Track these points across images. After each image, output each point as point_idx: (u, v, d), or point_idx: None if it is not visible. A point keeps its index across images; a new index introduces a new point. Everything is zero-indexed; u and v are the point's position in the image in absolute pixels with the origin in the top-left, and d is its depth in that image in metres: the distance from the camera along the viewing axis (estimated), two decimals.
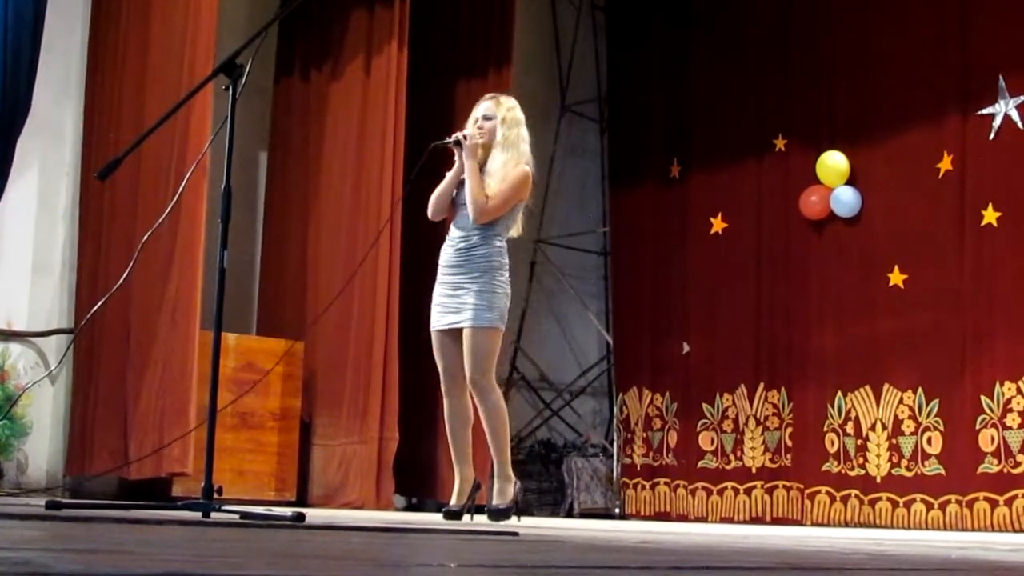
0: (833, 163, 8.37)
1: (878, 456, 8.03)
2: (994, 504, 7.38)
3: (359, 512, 7.35)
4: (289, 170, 8.50)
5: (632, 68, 10.02)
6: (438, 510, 8.22)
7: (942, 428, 7.76)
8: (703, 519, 8.85)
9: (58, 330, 7.58)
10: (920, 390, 7.87)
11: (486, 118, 5.88)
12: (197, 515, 4.15)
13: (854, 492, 8.10)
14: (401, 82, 8.27)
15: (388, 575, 2.02)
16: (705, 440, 9.03)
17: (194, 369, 7.02)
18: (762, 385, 8.74)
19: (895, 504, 7.89)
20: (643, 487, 9.35)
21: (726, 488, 8.85)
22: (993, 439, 7.47)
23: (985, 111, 7.70)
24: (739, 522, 8.62)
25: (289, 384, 7.84)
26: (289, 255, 8.41)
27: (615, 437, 9.65)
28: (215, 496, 4.25)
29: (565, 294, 10.12)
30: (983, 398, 7.53)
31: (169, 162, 7.24)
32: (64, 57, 7.70)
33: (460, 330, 5.75)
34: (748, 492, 8.72)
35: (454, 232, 5.84)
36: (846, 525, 8.07)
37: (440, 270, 5.85)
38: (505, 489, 5.79)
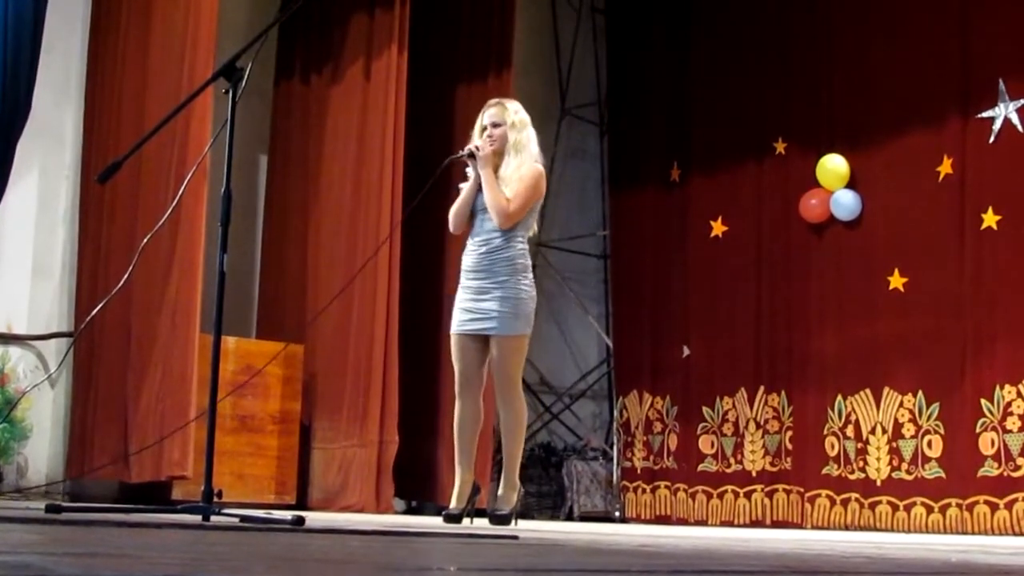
0: (833, 166, 8.37)
1: (878, 459, 8.03)
2: (994, 507, 7.38)
3: (359, 515, 7.35)
4: (289, 173, 8.50)
5: (632, 71, 10.02)
6: (438, 513, 8.21)
7: (942, 431, 7.75)
8: (703, 522, 8.84)
9: (58, 333, 7.58)
10: (920, 393, 7.87)
11: (494, 125, 5.90)
12: (197, 518, 4.15)
13: (854, 495, 8.09)
14: (401, 85, 8.27)
15: None
16: (705, 443, 9.03)
17: (194, 372, 7.02)
18: (762, 388, 8.74)
19: (895, 507, 7.89)
20: (643, 490, 9.35)
21: (726, 491, 8.84)
22: (993, 442, 7.46)
23: (985, 114, 7.70)
24: (739, 525, 8.61)
25: (289, 387, 7.84)
26: (289, 258, 8.40)
27: (615, 440, 9.65)
28: (215, 499, 4.25)
29: (565, 297, 10.12)
30: (983, 401, 7.52)
31: (169, 165, 7.24)
32: (64, 59, 7.71)
33: (484, 336, 5.77)
34: (748, 495, 8.72)
35: (475, 238, 5.86)
36: (846, 528, 8.06)
37: (463, 275, 5.86)
38: (509, 496, 5.81)
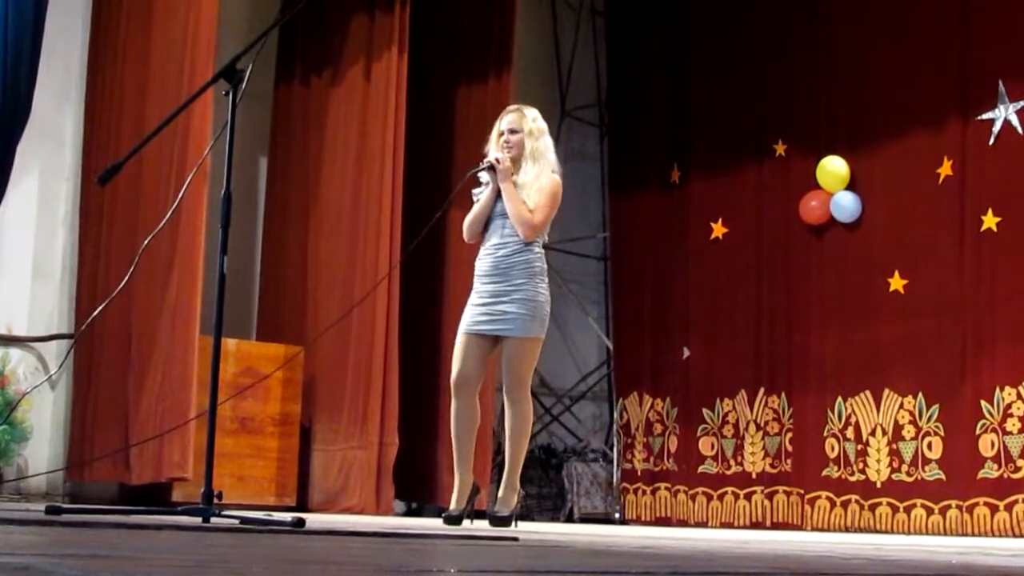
0: (833, 168, 8.38)
1: (878, 461, 8.03)
2: (994, 509, 7.38)
3: (359, 517, 7.35)
4: (289, 175, 8.50)
5: (632, 73, 10.02)
6: (438, 515, 8.22)
7: (942, 433, 7.75)
8: (703, 524, 8.84)
9: (58, 335, 7.58)
10: (920, 395, 7.87)
11: (512, 131, 5.91)
12: (197, 520, 4.15)
13: (854, 497, 8.09)
14: (401, 87, 8.27)
15: None
16: (705, 445, 9.03)
17: (194, 374, 7.02)
18: (762, 390, 8.74)
19: (895, 509, 7.89)
20: (643, 492, 9.35)
21: (726, 493, 8.84)
22: (993, 444, 7.46)
23: (985, 116, 7.70)
24: (739, 527, 8.61)
25: (289, 389, 7.84)
26: (289, 260, 8.41)
27: (615, 442, 9.65)
28: (215, 501, 4.25)
29: (565, 299, 10.12)
30: (983, 403, 7.52)
31: (169, 167, 7.24)
32: (64, 61, 7.71)
33: (494, 337, 5.77)
34: (748, 497, 8.72)
35: (490, 243, 5.85)
36: (846, 530, 8.06)
37: (478, 280, 5.85)
38: (509, 498, 5.80)
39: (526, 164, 5.88)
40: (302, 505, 7.81)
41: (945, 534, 7.53)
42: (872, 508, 8.00)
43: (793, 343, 8.60)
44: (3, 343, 7.47)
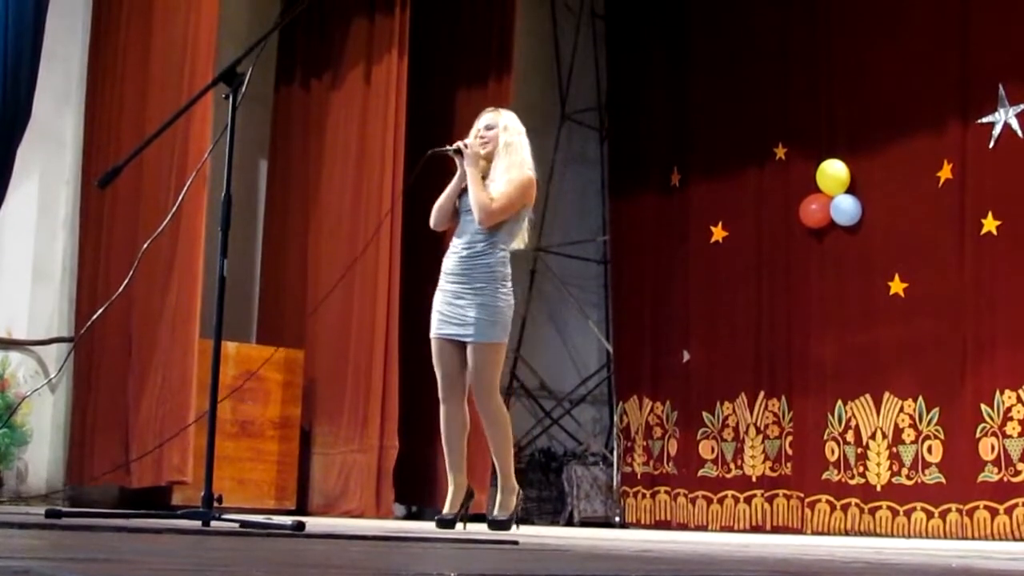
0: (833, 171, 8.38)
1: (878, 464, 8.02)
2: (994, 513, 7.37)
3: (359, 521, 7.35)
4: (289, 178, 8.51)
5: (632, 77, 10.03)
6: None
7: (942, 437, 7.75)
8: (703, 528, 8.84)
9: (58, 338, 7.58)
10: (920, 399, 7.87)
11: (488, 128, 5.89)
12: (197, 524, 4.15)
13: (854, 500, 8.09)
14: (401, 90, 8.27)
15: None
16: (705, 448, 9.03)
17: (194, 377, 7.02)
18: (762, 393, 8.74)
19: (895, 512, 7.89)
20: (643, 496, 9.35)
21: (726, 497, 8.84)
22: (993, 448, 7.46)
23: (985, 119, 7.70)
24: (739, 531, 8.61)
25: (289, 392, 7.84)
26: (289, 263, 8.41)
27: (615, 446, 9.65)
28: (215, 505, 4.25)
29: (565, 303, 10.12)
30: (983, 406, 7.52)
31: (169, 170, 7.24)
32: (65, 65, 7.71)
33: (461, 341, 5.74)
34: (748, 501, 8.71)
35: (457, 241, 5.83)
36: (846, 534, 8.06)
37: (443, 277, 5.83)
38: (507, 501, 5.77)
39: (498, 159, 5.83)
40: (302, 509, 7.80)
41: (945, 538, 7.53)
42: (872, 511, 8.00)
43: (793, 346, 8.59)
44: (3, 346, 7.47)
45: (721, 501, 8.86)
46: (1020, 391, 7.41)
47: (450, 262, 5.82)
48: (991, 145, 7.68)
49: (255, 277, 8.55)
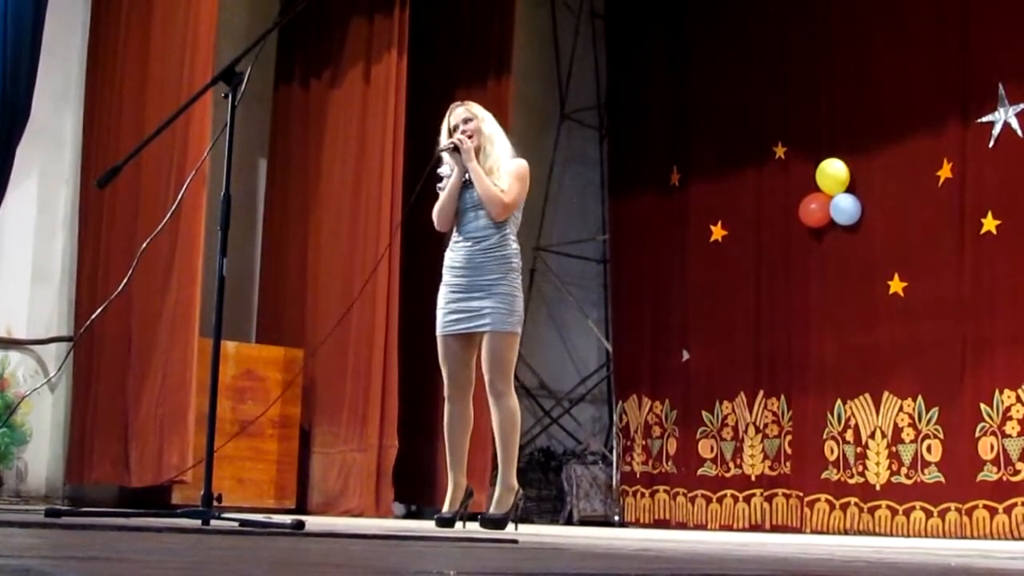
0: (833, 171, 8.38)
1: (877, 464, 8.03)
2: (993, 512, 7.38)
3: (359, 520, 7.35)
4: (289, 178, 8.51)
5: (632, 76, 10.03)
6: None
7: (942, 436, 7.76)
8: (702, 527, 8.84)
9: (58, 338, 7.58)
10: (920, 398, 7.87)
11: (465, 121, 5.86)
12: (197, 523, 4.15)
13: (853, 500, 8.09)
14: (401, 90, 8.27)
15: None
16: (704, 448, 9.03)
17: (193, 377, 7.02)
18: (761, 393, 8.74)
19: (894, 512, 7.89)
20: (642, 495, 9.35)
21: (725, 496, 8.84)
22: (992, 447, 7.46)
23: (985, 119, 7.70)
24: (738, 530, 8.61)
25: (289, 392, 7.83)
26: (289, 262, 8.40)
27: (614, 445, 9.65)
28: (215, 504, 4.25)
29: (565, 302, 10.12)
30: (983, 406, 7.52)
31: (168, 169, 7.24)
32: (64, 64, 7.71)
33: (470, 335, 5.70)
34: (747, 500, 8.72)
35: (463, 236, 5.78)
36: (845, 533, 8.06)
37: (449, 273, 5.78)
38: (505, 498, 5.70)
39: (486, 149, 5.81)
40: (301, 508, 7.80)
41: (944, 537, 7.53)
42: (871, 511, 8.00)
43: (792, 346, 8.60)
44: (3, 346, 7.47)
45: (720, 500, 8.86)
46: (1019, 390, 7.41)
47: (458, 255, 5.77)
48: (991, 144, 7.68)
49: (255, 276, 8.55)
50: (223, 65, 4.55)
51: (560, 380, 10.21)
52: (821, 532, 8.17)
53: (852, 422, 8.18)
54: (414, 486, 8.44)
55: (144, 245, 5.19)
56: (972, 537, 7.40)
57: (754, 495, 8.68)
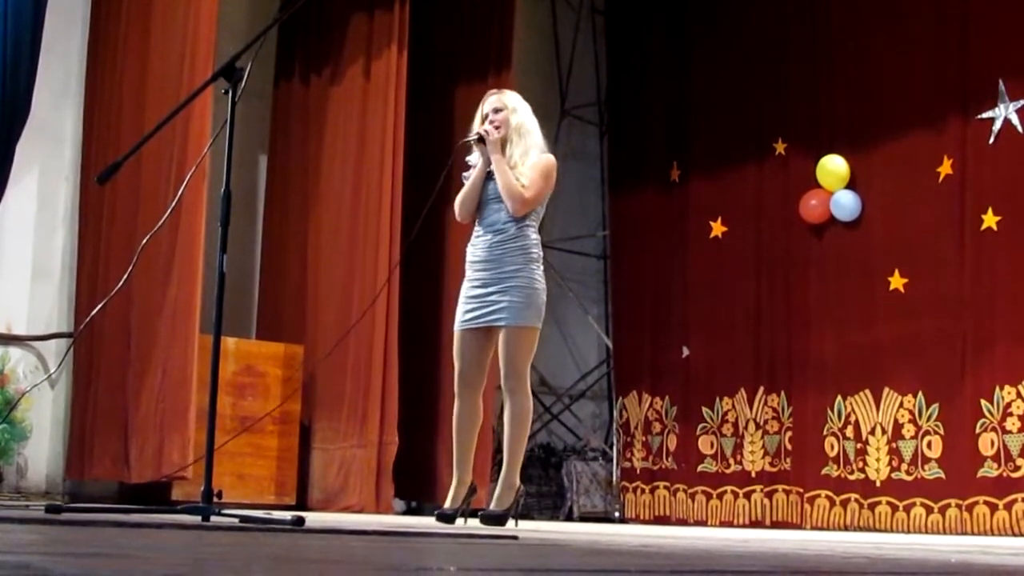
0: (833, 167, 8.37)
1: (878, 460, 8.03)
2: (994, 508, 7.38)
3: (359, 516, 7.35)
4: (289, 174, 8.50)
5: (632, 72, 10.02)
6: None
7: (942, 432, 7.76)
8: (703, 523, 8.84)
9: (58, 334, 7.58)
10: (920, 394, 7.87)
11: (496, 111, 5.81)
12: (197, 519, 4.15)
13: (854, 496, 8.09)
14: (401, 86, 8.27)
15: None
16: (705, 444, 9.03)
17: (194, 373, 7.02)
18: (762, 389, 8.74)
19: (895, 508, 7.89)
20: (643, 491, 9.35)
21: (726, 492, 8.84)
22: (993, 443, 7.47)
23: (985, 115, 7.70)
24: (739, 526, 8.61)
25: (289, 388, 7.84)
26: (289, 259, 8.40)
27: (615, 441, 9.65)
28: (215, 500, 4.25)
29: (565, 298, 10.12)
30: (983, 402, 7.53)
31: (169, 166, 7.24)
32: (64, 60, 7.70)
33: (487, 329, 5.64)
34: (748, 496, 8.72)
35: (482, 228, 5.73)
36: (846, 529, 8.06)
37: (470, 267, 5.73)
38: (506, 496, 5.66)
39: (512, 142, 5.76)
40: (302, 504, 7.80)
41: (945, 533, 7.53)
42: (871, 507, 8.00)
43: (793, 342, 8.59)
44: (3, 342, 7.47)
45: (720, 496, 8.87)
46: (1020, 387, 7.41)
47: (478, 249, 5.73)
48: (991, 141, 7.68)
49: (255, 272, 8.55)
50: (223, 61, 4.55)
51: (560, 376, 10.21)
52: (821, 528, 8.17)
53: (852, 418, 8.18)
54: (414, 482, 8.45)
55: (144, 241, 5.20)
56: (972, 533, 7.40)
57: (754, 491, 8.69)
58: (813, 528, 8.21)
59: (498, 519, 5.60)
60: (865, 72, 8.37)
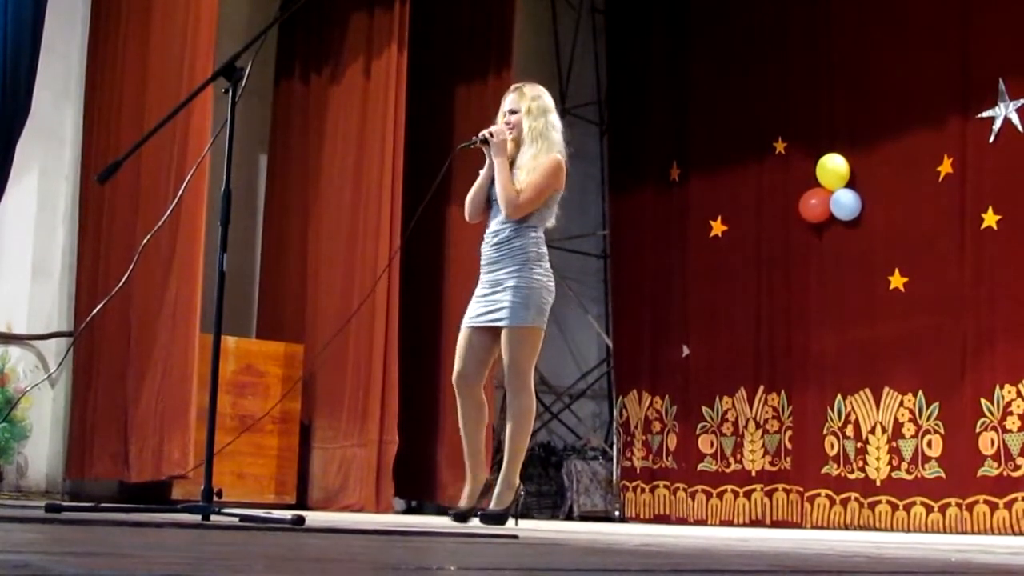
0: (833, 166, 8.38)
1: (878, 459, 8.03)
2: (994, 507, 7.38)
3: (359, 515, 7.35)
4: (289, 173, 8.51)
5: (632, 71, 10.02)
6: (438, 513, 8.23)
7: (942, 431, 7.76)
8: (703, 522, 8.84)
9: (58, 333, 7.58)
10: (920, 393, 7.87)
11: (512, 112, 5.78)
12: (197, 518, 4.15)
13: (854, 495, 8.10)
14: (401, 85, 8.27)
15: None
16: (705, 443, 9.03)
17: (194, 372, 7.02)
18: (762, 388, 8.74)
19: (895, 507, 7.89)
20: (643, 490, 9.35)
21: (726, 491, 8.84)
22: (993, 442, 7.47)
23: (985, 114, 7.70)
24: (739, 525, 8.61)
25: (288, 387, 7.83)
26: (289, 258, 8.41)
27: (615, 440, 9.65)
28: (215, 499, 4.25)
29: (565, 297, 10.09)
30: (983, 401, 7.53)
31: (169, 165, 7.24)
32: (64, 59, 7.70)
33: (491, 329, 5.65)
34: (748, 495, 8.72)
35: (490, 228, 5.74)
36: (846, 528, 8.07)
37: (481, 269, 5.75)
38: (504, 495, 5.64)
39: (525, 145, 5.74)
40: (302, 503, 7.81)
41: (945, 532, 7.53)
42: (872, 506, 8.00)
43: (793, 341, 8.59)
44: (3, 341, 7.47)
45: (720, 495, 8.87)
46: (1020, 386, 7.41)
47: (484, 250, 5.74)
48: (991, 140, 7.68)
49: (255, 271, 8.55)
50: (223, 61, 4.55)
51: (560, 376, 10.21)
52: (821, 527, 8.17)
53: (852, 417, 8.18)
54: (414, 481, 8.45)
55: (145, 240, 5.20)
56: (972, 532, 7.40)
57: (754, 490, 8.69)
58: (813, 527, 8.21)
59: (498, 517, 5.58)
60: (865, 71, 8.37)
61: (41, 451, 7.49)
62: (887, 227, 8.19)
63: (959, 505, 7.55)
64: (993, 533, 7.31)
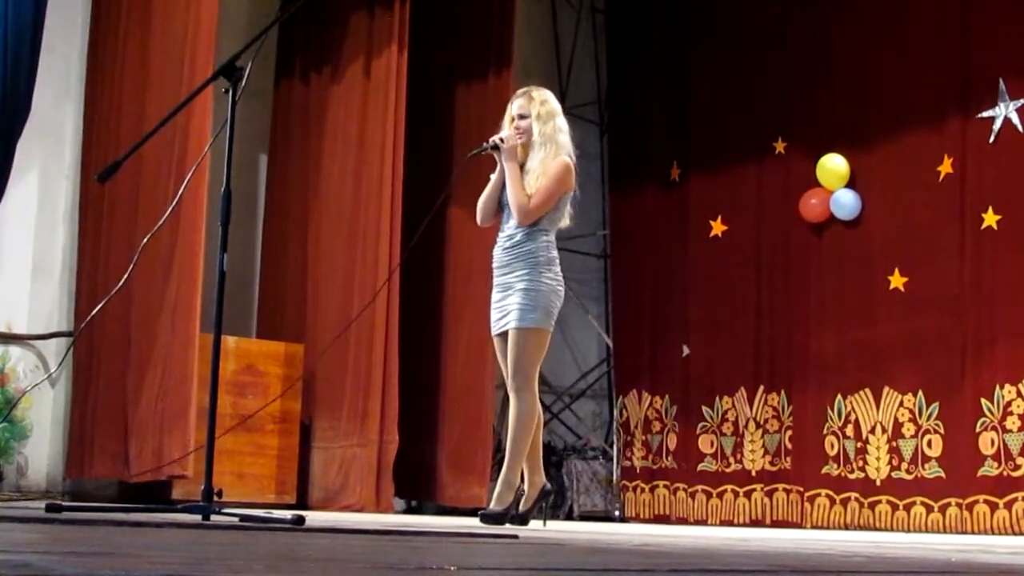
0: (833, 166, 8.37)
1: (878, 459, 8.03)
2: (994, 507, 7.38)
3: (359, 515, 7.35)
4: (289, 173, 8.51)
5: (632, 71, 10.02)
6: (438, 513, 8.24)
7: (942, 431, 7.76)
8: (703, 522, 8.84)
9: (58, 333, 7.58)
10: (920, 393, 7.87)
11: (521, 116, 5.79)
12: (197, 518, 4.15)
13: (854, 495, 8.10)
14: (401, 85, 8.27)
15: None
16: (705, 443, 9.03)
17: (194, 372, 7.02)
18: (762, 388, 8.74)
19: (895, 507, 7.89)
20: (643, 490, 9.35)
21: (726, 491, 8.84)
22: (993, 442, 7.47)
23: (985, 114, 7.70)
24: (739, 525, 8.61)
25: (289, 386, 7.83)
26: (289, 258, 8.41)
27: (615, 440, 9.65)
28: (215, 499, 4.25)
29: (565, 297, 10.09)
30: (983, 401, 7.53)
31: (169, 165, 7.24)
32: (64, 59, 7.70)
33: (507, 334, 5.72)
34: (748, 495, 8.72)
35: (502, 233, 5.80)
36: (846, 528, 8.07)
37: (493, 273, 5.83)
38: (504, 495, 5.66)
39: (534, 150, 5.76)
40: (302, 503, 7.81)
41: (945, 532, 7.53)
42: (872, 506, 8.00)
43: (793, 341, 8.59)
44: (3, 341, 7.47)
45: (720, 495, 8.87)
46: (1020, 385, 7.41)
47: (496, 255, 5.81)
48: (992, 139, 7.68)
49: (255, 271, 8.55)
50: (223, 60, 4.55)
51: (560, 375, 10.21)
52: (821, 527, 8.17)
53: (852, 417, 8.18)
54: (414, 481, 8.45)
55: (145, 240, 5.20)
56: (972, 532, 7.40)
57: (754, 490, 8.68)
58: (813, 527, 8.21)
59: (497, 517, 5.60)
60: (865, 71, 8.37)
61: (41, 451, 7.49)
62: (887, 227, 8.19)
63: (959, 505, 7.55)
64: (993, 533, 7.31)
